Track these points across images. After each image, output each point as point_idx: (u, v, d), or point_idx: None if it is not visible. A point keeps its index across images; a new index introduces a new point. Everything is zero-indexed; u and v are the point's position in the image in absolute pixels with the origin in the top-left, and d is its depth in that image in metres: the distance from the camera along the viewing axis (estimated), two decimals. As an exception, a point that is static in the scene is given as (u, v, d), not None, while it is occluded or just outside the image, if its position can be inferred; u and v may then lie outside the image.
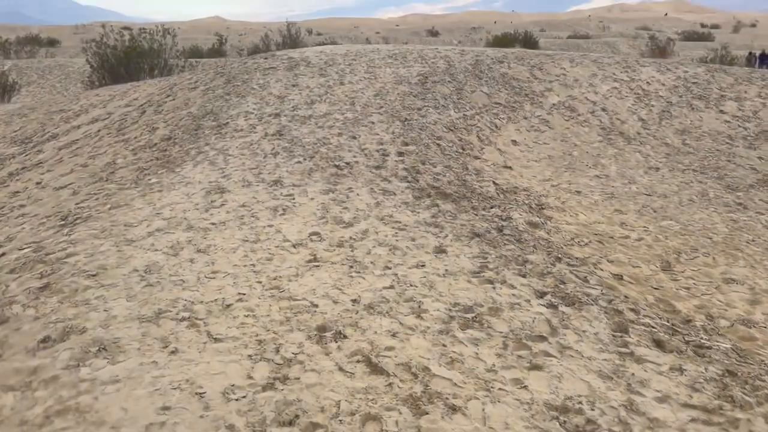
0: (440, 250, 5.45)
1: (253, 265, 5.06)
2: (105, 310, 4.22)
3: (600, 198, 8.37)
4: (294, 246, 5.48)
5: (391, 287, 4.67)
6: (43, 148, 10.55)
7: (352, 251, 5.39)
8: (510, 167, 9.33)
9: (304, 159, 8.14)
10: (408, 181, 7.56)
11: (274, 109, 10.29)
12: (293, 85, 11.65)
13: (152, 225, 5.94)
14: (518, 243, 5.86)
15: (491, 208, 7.06)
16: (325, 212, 6.38)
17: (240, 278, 4.79)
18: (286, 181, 7.32)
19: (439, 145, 9.37)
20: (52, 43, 61.69)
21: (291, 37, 44.74)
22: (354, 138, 9.09)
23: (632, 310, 4.61)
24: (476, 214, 6.62)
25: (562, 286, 4.84)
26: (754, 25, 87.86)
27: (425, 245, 5.54)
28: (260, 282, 4.74)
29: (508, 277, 4.92)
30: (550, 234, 6.56)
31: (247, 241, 5.59)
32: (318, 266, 5.06)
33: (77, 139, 10.55)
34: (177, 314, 4.19)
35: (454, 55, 14.51)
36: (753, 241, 7.24)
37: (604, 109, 12.32)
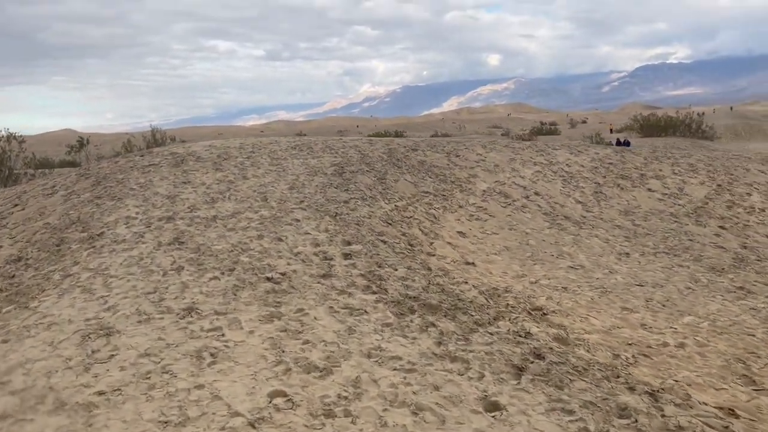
0: (492, 405, 3.46)
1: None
2: None
3: (594, 294, 6.85)
4: (253, 426, 3.23)
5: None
6: None
7: (354, 424, 3.24)
8: (473, 263, 7.64)
9: (222, 273, 5.90)
10: (374, 292, 5.57)
11: (164, 211, 7.97)
12: (184, 183, 9.40)
13: (-12, 410, 3.44)
14: (579, 375, 4.01)
15: (495, 320, 5.22)
16: (280, 353, 4.19)
17: None
18: (204, 309, 5.05)
19: (384, 242, 7.52)
20: None
21: (156, 143, 41.87)
22: (280, 240, 7.00)
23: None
24: (489, 333, 4.74)
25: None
26: (584, 122, 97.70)
27: (463, 397, 3.53)
28: None
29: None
30: (591, 351, 4.80)
31: (166, 424, 3.26)
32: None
33: None
34: None
35: (363, 144, 13.04)
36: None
37: (537, 194, 11.23)
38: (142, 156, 11.67)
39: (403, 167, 11.54)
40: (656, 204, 11.37)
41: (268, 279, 5.79)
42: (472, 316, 5.16)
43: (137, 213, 7.91)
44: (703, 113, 62.86)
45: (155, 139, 43.16)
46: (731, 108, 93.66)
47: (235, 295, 5.39)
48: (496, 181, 11.63)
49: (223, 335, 4.54)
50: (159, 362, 4.07)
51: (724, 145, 44.11)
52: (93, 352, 4.26)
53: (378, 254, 6.82)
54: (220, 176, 9.82)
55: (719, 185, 12.67)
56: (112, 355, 4.19)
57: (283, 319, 4.86)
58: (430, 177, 11.28)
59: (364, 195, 9.49)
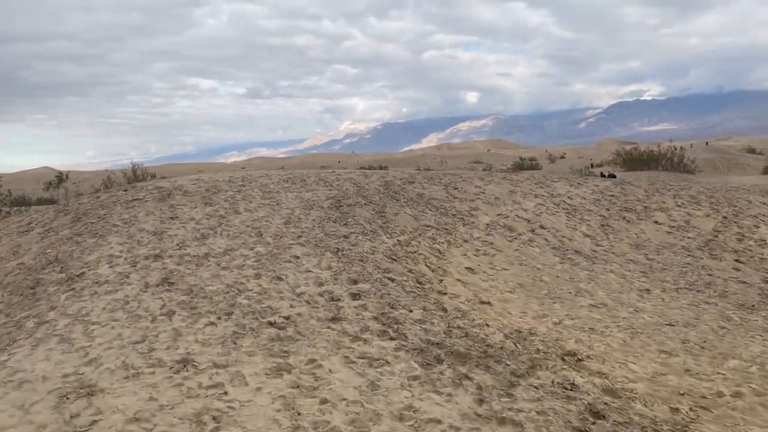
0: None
1: None
2: None
3: (625, 336, 6.28)
4: None
5: None
6: None
7: None
8: (488, 302, 7.06)
9: (219, 318, 5.25)
10: (392, 338, 4.95)
11: (151, 249, 7.30)
12: (172, 218, 8.75)
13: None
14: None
15: (532, 369, 4.62)
16: (296, 416, 3.55)
17: None
18: (201, 360, 4.39)
19: (392, 279, 6.92)
20: None
21: (137, 180, 40.94)
22: (280, 279, 6.37)
23: None
24: (532, 386, 4.13)
25: None
26: (563, 157, 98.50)
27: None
28: None
29: None
30: (648, 406, 4.22)
31: None
32: None
33: None
34: None
35: (359, 177, 12.51)
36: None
37: (542, 227, 10.74)
38: (125, 191, 11.01)
39: (401, 200, 11.01)
40: (666, 237, 10.92)
41: (271, 324, 5.15)
42: (507, 365, 4.56)
43: (121, 251, 7.23)
44: (682, 148, 63.67)
45: (136, 175, 42.29)
46: (707, 143, 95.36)
47: (236, 343, 4.73)
48: (498, 214, 11.12)
49: (225, 393, 3.88)
50: (152, 429, 3.40)
51: (706, 179, 44.45)
52: (72, 417, 3.58)
53: (388, 294, 6.21)
54: (209, 211, 9.19)
55: (725, 217, 12.30)
56: (95, 421, 3.52)
57: (294, 372, 4.22)
58: (430, 210, 10.75)
59: (365, 229, 8.91)
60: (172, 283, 6.14)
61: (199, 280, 6.24)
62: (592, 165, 60.69)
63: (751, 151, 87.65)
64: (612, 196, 13.19)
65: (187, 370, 4.22)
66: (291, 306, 5.63)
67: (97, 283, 6.16)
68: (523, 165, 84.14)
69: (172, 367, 4.26)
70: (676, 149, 52.39)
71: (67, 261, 7.04)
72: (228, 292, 5.93)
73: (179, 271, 6.52)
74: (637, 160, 50.57)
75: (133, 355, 4.44)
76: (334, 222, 8.99)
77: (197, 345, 4.67)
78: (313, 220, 8.96)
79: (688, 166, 50.49)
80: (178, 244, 7.52)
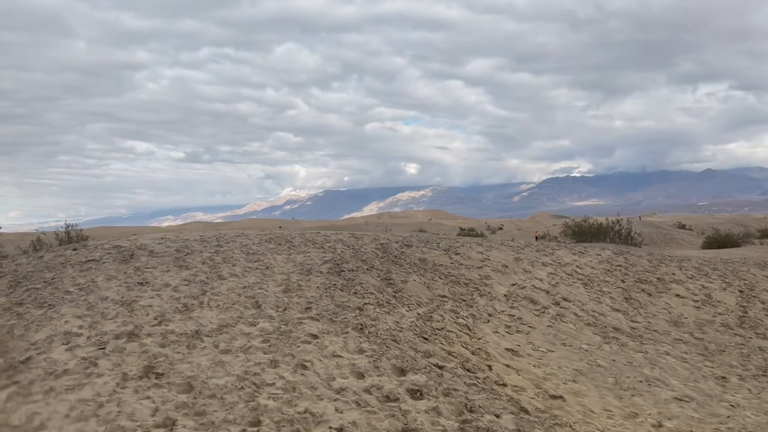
0: None
1: None
2: None
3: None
4: None
5: None
6: None
7: None
8: (560, 397, 5.62)
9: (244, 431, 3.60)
10: (503, 463, 3.42)
11: (121, 324, 5.55)
12: (141, 284, 6.99)
13: None
14: None
15: None
16: None
17: None
18: None
19: (440, 367, 5.42)
20: None
21: (71, 242, 37.77)
22: (305, 367, 4.77)
23: None
24: None
25: None
26: (501, 228, 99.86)
27: None
28: None
29: None
30: None
31: None
32: None
33: None
34: None
35: (349, 239, 11.04)
36: None
37: (566, 299, 9.50)
38: (74, 250, 9.13)
39: (404, 265, 9.58)
40: (696, 312, 9.86)
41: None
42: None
43: (81, 327, 5.44)
44: (629, 220, 65.22)
45: (69, 237, 39.12)
46: (639, 218, 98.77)
47: (283, 476, 3.11)
48: (513, 284, 9.84)
49: None
50: None
51: (656, 251, 45.12)
52: None
53: (454, 389, 4.70)
54: (187, 275, 7.48)
55: (741, 291, 11.44)
56: None
57: None
58: (439, 277, 9.35)
59: (379, 299, 7.40)
60: (161, 375, 4.43)
61: (198, 370, 4.56)
62: (536, 237, 61.22)
63: (681, 226, 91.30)
64: (620, 266, 12.19)
65: None
66: (337, 410, 4.05)
67: (52, 374, 4.38)
68: (470, 233, 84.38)
69: None
70: (621, 221, 53.36)
71: (5, 341, 5.18)
72: (242, 387, 4.29)
73: (166, 356, 4.81)
74: (586, 232, 51.15)
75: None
76: (341, 290, 7.46)
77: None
78: (317, 287, 7.40)
79: (635, 239, 51.36)
80: (156, 318, 5.79)
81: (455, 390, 4.69)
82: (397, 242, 11.21)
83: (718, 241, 40.73)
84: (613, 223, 53.53)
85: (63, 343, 5.03)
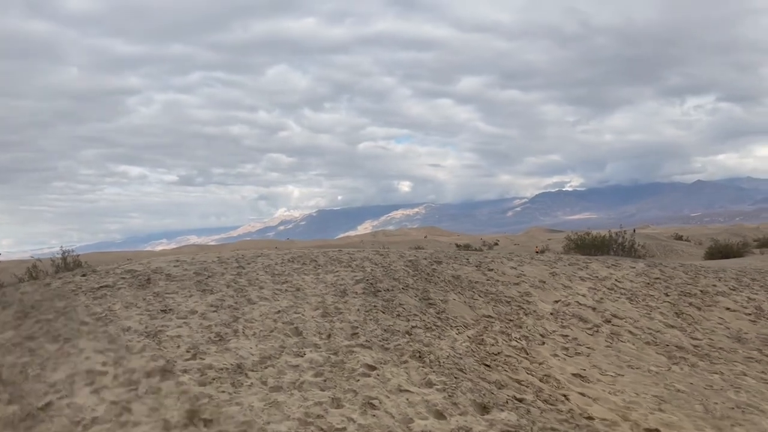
0: None
1: None
2: None
3: None
4: None
5: None
6: None
7: None
8: (657, 430, 4.93)
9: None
10: None
11: (150, 359, 4.82)
12: (164, 311, 6.26)
13: None
14: None
15: None
16: None
17: None
18: None
19: (519, 399, 4.72)
20: None
21: (68, 269, 36.78)
22: (373, 407, 4.08)
23: None
24: None
25: None
26: (497, 243, 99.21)
27: None
28: None
29: None
30: None
31: None
32: None
33: None
34: None
35: (376, 256, 10.34)
36: None
37: (616, 316, 8.82)
38: (83, 275, 8.39)
39: (439, 283, 8.89)
40: (754, 327, 9.19)
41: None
42: None
43: (105, 363, 4.72)
44: (635, 231, 64.77)
45: (66, 263, 38.15)
46: (634, 230, 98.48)
47: None
48: (557, 301, 9.15)
49: None
50: None
51: (672, 262, 44.57)
52: None
53: (552, 428, 4.00)
54: (213, 300, 6.76)
55: (789, 301, 10.79)
56: None
57: None
58: (479, 296, 8.66)
59: (425, 322, 6.71)
60: (210, 421, 3.72)
61: (251, 414, 3.85)
62: (537, 251, 60.81)
63: (679, 237, 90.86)
64: (658, 279, 11.51)
65: None
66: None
67: (78, 423, 3.66)
68: (468, 248, 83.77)
69: None
70: (625, 234, 52.93)
71: (18, 383, 4.45)
72: (309, 435, 3.57)
73: (210, 397, 4.09)
74: (590, 245, 50.58)
75: None
76: (383, 312, 6.77)
77: None
78: (357, 310, 6.69)
79: (638, 251, 50.78)
80: (188, 351, 5.07)
81: (553, 429, 3.99)
82: (426, 258, 10.52)
83: (721, 252, 40.13)
84: (616, 235, 53.14)
85: (86, 384, 4.30)
